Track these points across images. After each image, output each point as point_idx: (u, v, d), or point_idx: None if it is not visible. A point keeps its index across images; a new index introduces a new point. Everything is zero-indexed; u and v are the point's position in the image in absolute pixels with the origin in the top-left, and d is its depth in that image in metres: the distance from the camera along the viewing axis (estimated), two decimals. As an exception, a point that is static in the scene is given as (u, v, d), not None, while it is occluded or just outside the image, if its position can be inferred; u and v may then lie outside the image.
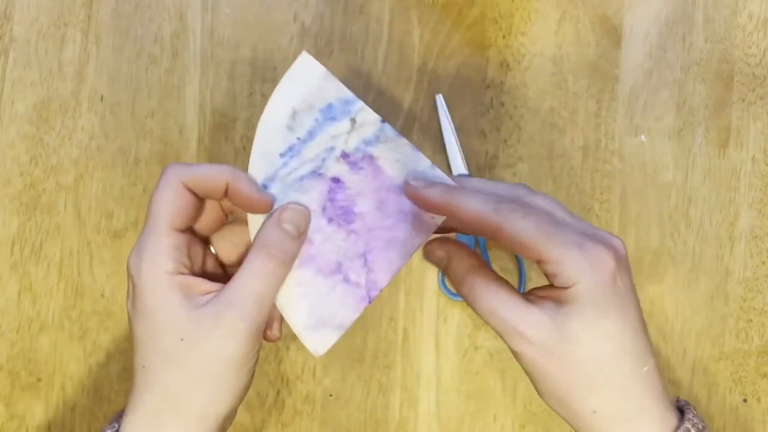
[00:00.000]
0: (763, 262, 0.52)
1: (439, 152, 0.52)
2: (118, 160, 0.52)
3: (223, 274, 0.39)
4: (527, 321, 0.34)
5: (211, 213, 0.38)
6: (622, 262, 0.35)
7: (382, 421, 0.51)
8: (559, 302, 0.34)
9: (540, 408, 0.51)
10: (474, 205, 0.34)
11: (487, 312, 0.35)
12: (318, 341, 0.37)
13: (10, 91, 0.52)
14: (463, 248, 0.37)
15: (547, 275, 0.34)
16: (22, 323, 0.51)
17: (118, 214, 0.52)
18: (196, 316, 0.34)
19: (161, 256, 0.34)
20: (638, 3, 0.53)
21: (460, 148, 0.51)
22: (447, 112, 0.52)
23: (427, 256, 0.38)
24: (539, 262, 0.34)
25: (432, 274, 0.52)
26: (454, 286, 0.37)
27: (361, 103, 0.37)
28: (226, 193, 0.35)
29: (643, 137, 0.52)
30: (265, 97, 0.52)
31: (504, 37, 0.53)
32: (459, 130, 0.52)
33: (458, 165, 0.51)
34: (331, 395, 0.51)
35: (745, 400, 0.51)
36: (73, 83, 0.52)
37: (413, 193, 0.36)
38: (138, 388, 0.35)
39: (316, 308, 0.37)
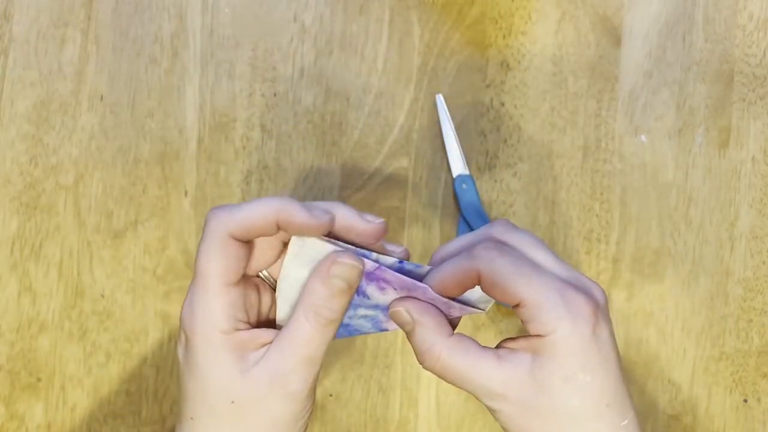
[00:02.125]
0: (764, 262, 0.52)
1: (439, 152, 0.52)
2: (118, 160, 0.52)
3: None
4: (501, 379, 0.32)
5: (266, 249, 0.35)
6: (602, 312, 0.33)
7: (382, 421, 0.51)
8: (535, 352, 0.32)
9: (540, 408, 0.51)
10: (450, 267, 0.33)
11: (460, 377, 0.33)
12: None
13: (10, 91, 0.52)
14: (436, 315, 0.35)
15: (523, 320, 0.33)
16: (22, 323, 0.51)
17: (118, 214, 0.52)
18: (248, 379, 0.33)
19: (215, 315, 0.33)
20: (638, 3, 0.53)
21: (460, 148, 0.51)
22: (447, 112, 0.52)
23: (393, 317, 0.35)
24: (516, 307, 0.33)
25: (432, 274, 0.52)
26: (417, 354, 0.34)
27: (375, 254, 0.34)
28: (278, 228, 0.33)
29: (643, 137, 0.52)
30: (265, 97, 0.52)
31: (504, 36, 0.53)
32: (459, 130, 0.52)
33: (458, 165, 0.51)
34: (331, 395, 0.51)
35: (745, 400, 0.51)
36: (73, 83, 0.52)
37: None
38: None
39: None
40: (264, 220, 0.33)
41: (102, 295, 0.51)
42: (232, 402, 0.33)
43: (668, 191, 0.52)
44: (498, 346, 0.35)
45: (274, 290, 0.36)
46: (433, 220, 0.52)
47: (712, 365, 0.51)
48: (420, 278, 0.35)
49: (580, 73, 0.53)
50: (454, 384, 0.34)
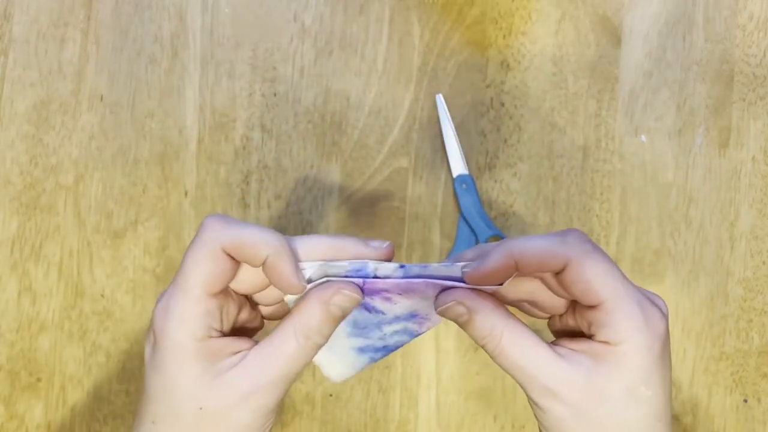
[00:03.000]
0: (764, 262, 0.52)
1: (439, 152, 0.52)
2: (118, 160, 0.52)
3: (256, 316, 0.37)
4: (558, 377, 0.31)
5: (254, 275, 0.34)
6: (668, 329, 0.33)
7: (382, 421, 0.51)
8: (597, 358, 0.31)
9: (540, 408, 0.51)
10: (539, 243, 0.32)
11: (515, 366, 0.32)
12: (336, 372, 0.37)
13: (10, 91, 0.52)
14: (487, 298, 0.33)
15: (590, 324, 0.32)
16: (22, 323, 0.51)
17: (118, 214, 0.52)
18: (219, 386, 0.32)
19: (191, 322, 0.32)
20: (638, 3, 0.53)
21: (461, 148, 0.51)
22: (447, 112, 0.52)
23: (444, 313, 0.34)
24: (588, 308, 0.32)
25: (432, 274, 0.52)
26: (476, 339, 0.33)
27: (372, 263, 0.34)
28: (263, 263, 0.32)
29: (643, 137, 0.52)
30: (265, 97, 0.52)
31: (504, 36, 0.53)
32: (459, 130, 0.52)
33: (458, 165, 0.51)
34: (331, 395, 0.51)
35: (745, 400, 0.51)
36: (72, 83, 0.52)
37: (476, 275, 0.33)
38: None
39: (332, 348, 0.36)
40: (257, 251, 0.32)
41: (102, 295, 0.51)
42: (200, 408, 0.32)
43: (668, 191, 0.52)
44: (554, 343, 0.33)
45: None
46: (433, 220, 0.52)
47: (712, 365, 0.51)
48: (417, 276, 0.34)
49: (580, 73, 0.53)
50: (508, 370, 0.33)
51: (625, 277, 0.32)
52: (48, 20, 0.52)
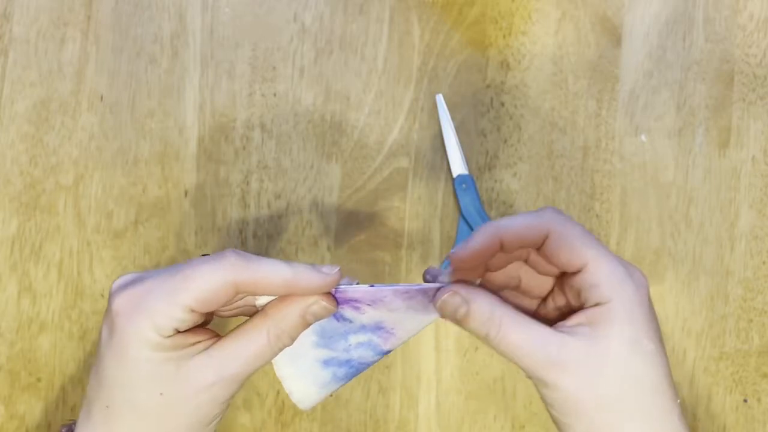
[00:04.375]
0: (764, 262, 0.52)
1: (439, 152, 0.52)
2: (118, 160, 0.52)
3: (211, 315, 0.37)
4: (562, 349, 0.31)
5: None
6: (649, 289, 0.33)
7: (382, 422, 0.51)
8: (593, 323, 0.32)
9: (540, 408, 0.51)
10: (519, 219, 0.33)
11: (518, 347, 0.32)
12: (301, 393, 0.37)
13: (10, 91, 0.52)
14: (479, 288, 0.34)
15: (578, 292, 0.33)
16: (22, 323, 0.51)
17: (118, 214, 0.52)
18: (182, 374, 0.32)
19: (164, 322, 0.32)
20: (638, 3, 0.53)
21: (460, 148, 0.51)
22: (447, 111, 0.52)
23: (443, 308, 0.34)
24: (575, 274, 0.33)
25: (432, 274, 0.52)
26: (477, 332, 0.33)
27: (344, 285, 0.35)
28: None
29: (643, 137, 0.52)
30: (265, 97, 0.52)
31: (504, 36, 0.53)
32: (459, 130, 0.52)
33: (458, 165, 0.51)
34: (331, 395, 0.51)
35: (745, 400, 0.51)
36: (72, 83, 0.52)
37: (462, 254, 0.33)
38: (95, 426, 0.33)
39: (297, 361, 0.37)
40: (277, 286, 0.33)
41: (102, 295, 0.51)
42: (161, 394, 0.32)
43: (668, 191, 0.52)
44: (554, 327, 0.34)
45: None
46: (433, 220, 0.52)
47: (712, 365, 0.51)
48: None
49: (580, 73, 0.53)
50: (511, 355, 0.33)
51: (601, 242, 0.33)
52: (48, 20, 0.52)
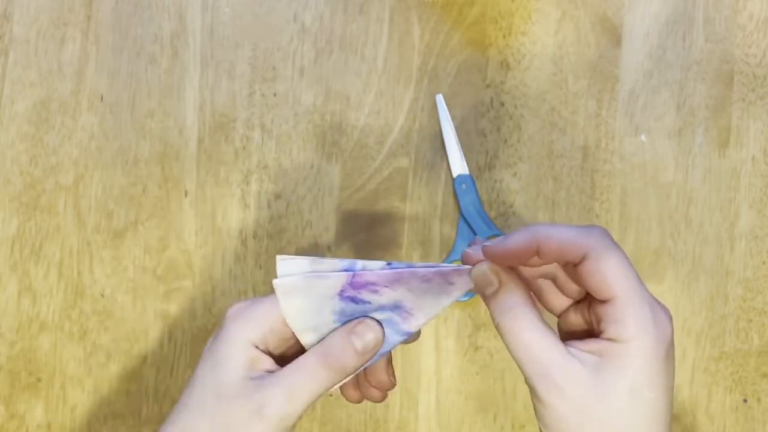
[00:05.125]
0: (763, 262, 0.52)
1: (439, 152, 0.52)
2: (118, 160, 0.52)
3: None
4: (565, 370, 0.31)
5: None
6: (673, 334, 0.33)
7: (382, 421, 0.51)
8: (603, 356, 0.31)
9: (540, 408, 0.51)
10: (565, 230, 0.32)
11: (524, 347, 0.32)
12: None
13: (10, 91, 0.52)
14: (518, 279, 0.34)
15: (599, 320, 0.32)
16: (22, 323, 0.51)
17: (118, 214, 0.52)
18: (242, 386, 0.35)
19: (260, 324, 0.35)
20: (638, 3, 0.53)
21: (460, 148, 0.51)
22: (447, 112, 0.52)
23: (477, 280, 0.34)
24: (599, 303, 0.32)
25: (432, 274, 0.52)
26: (494, 313, 0.33)
27: (360, 262, 0.35)
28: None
29: (643, 137, 0.52)
30: (265, 97, 0.52)
31: (504, 36, 0.53)
32: (459, 130, 0.52)
33: (458, 165, 0.51)
34: (331, 395, 0.51)
35: (745, 400, 0.51)
36: (72, 83, 0.52)
37: (496, 250, 0.33)
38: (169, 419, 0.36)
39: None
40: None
41: (102, 295, 0.51)
42: (218, 398, 0.34)
43: (668, 191, 0.52)
44: (564, 344, 0.34)
45: None
46: (433, 220, 0.52)
47: (712, 365, 0.51)
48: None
49: (580, 73, 0.53)
50: (517, 353, 0.32)
51: (639, 278, 0.32)
52: (48, 20, 0.52)
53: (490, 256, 0.33)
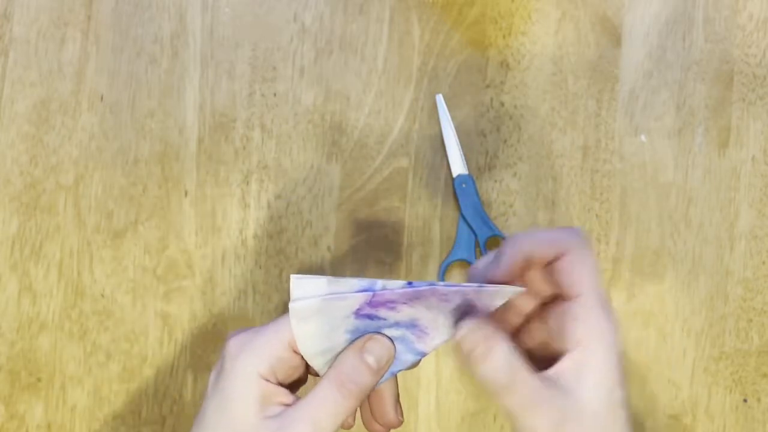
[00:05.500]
0: (763, 262, 0.52)
1: (439, 152, 0.52)
2: (118, 160, 0.52)
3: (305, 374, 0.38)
4: (542, 393, 0.32)
5: None
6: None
7: (382, 421, 0.51)
8: (572, 372, 0.33)
9: (540, 408, 0.51)
10: (542, 234, 0.34)
11: (504, 373, 0.32)
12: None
13: (10, 91, 0.52)
14: (488, 319, 0.34)
15: (564, 317, 0.33)
16: (22, 323, 0.51)
17: (118, 214, 0.52)
18: (261, 427, 0.33)
19: (262, 359, 0.34)
20: (638, 3, 0.53)
21: (460, 148, 0.51)
22: (447, 112, 0.52)
23: (466, 338, 0.33)
24: (565, 301, 0.33)
25: (432, 273, 0.52)
26: (466, 356, 0.33)
27: (381, 282, 0.34)
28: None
29: (643, 137, 0.52)
30: (265, 97, 0.52)
31: (504, 36, 0.53)
32: (459, 130, 0.52)
33: (458, 165, 0.51)
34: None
35: (745, 400, 0.51)
36: (72, 83, 0.52)
37: (496, 277, 0.34)
38: None
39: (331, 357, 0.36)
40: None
41: (102, 295, 0.51)
42: None
43: (668, 191, 0.52)
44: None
45: None
46: (433, 220, 0.52)
47: (712, 365, 0.51)
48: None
49: (580, 73, 0.53)
50: (493, 379, 0.33)
51: (599, 278, 0.34)
52: (48, 20, 0.52)
53: (491, 281, 0.34)
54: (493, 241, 0.51)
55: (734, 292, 0.52)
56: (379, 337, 0.35)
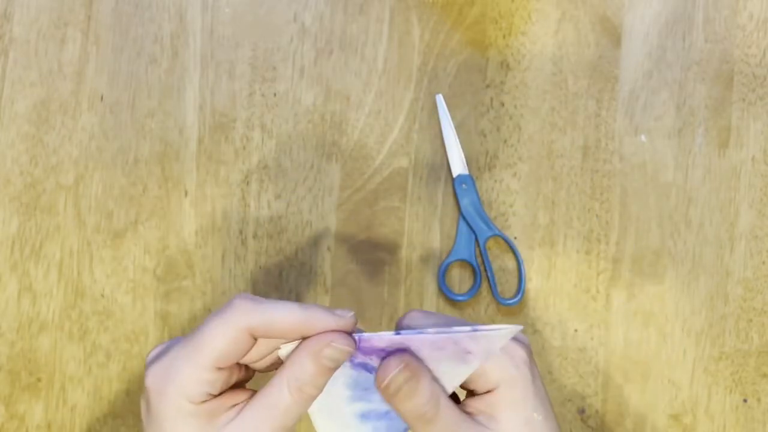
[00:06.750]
0: (763, 262, 0.52)
1: (439, 152, 0.52)
2: (118, 160, 0.52)
3: (248, 373, 0.36)
4: (465, 429, 0.34)
5: (259, 348, 0.34)
6: (531, 351, 0.36)
7: (382, 421, 0.51)
8: (488, 410, 0.34)
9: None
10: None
11: (429, 416, 0.33)
12: None
13: (10, 91, 0.52)
14: (420, 365, 0.34)
15: (470, 382, 0.34)
16: (22, 323, 0.51)
17: (118, 214, 0.52)
18: None
19: (191, 388, 0.32)
20: (638, 3, 0.53)
21: (461, 148, 0.51)
22: (447, 112, 0.52)
23: (392, 381, 0.33)
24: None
25: (432, 273, 0.52)
26: (419, 407, 0.33)
27: (367, 334, 0.33)
28: (300, 335, 0.33)
29: (643, 137, 0.52)
30: (265, 97, 0.52)
31: (504, 37, 0.53)
32: (459, 130, 0.52)
33: (458, 165, 0.51)
34: None
35: (745, 400, 0.51)
36: (72, 83, 0.52)
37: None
38: None
39: (334, 416, 0.35)
40: (290, 327, 0.32)
41: (102, 295, 0.51)
42: None
43: (668, 191, 0.52)
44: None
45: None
46: (433, 220, 0.52)
47: (712, 365, 0.51)
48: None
49: (580, 73, 0.53)
50: (418, 422, 0.34)
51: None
52: (48, 20, 0.52)
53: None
54: (493, 241, 0.51)
55: (734, 292, 0.52)
56: (337, 345, 0.32)
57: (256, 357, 0.34)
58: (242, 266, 0.51)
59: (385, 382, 0.33)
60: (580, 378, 0.51)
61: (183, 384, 0.32)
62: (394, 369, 0.33)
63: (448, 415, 0.33)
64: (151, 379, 0.32)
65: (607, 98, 0.52)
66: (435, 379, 0.34)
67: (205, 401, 0.32)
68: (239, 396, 0.33)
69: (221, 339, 0.32)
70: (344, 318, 0.33)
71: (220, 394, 0.33)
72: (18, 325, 0.51)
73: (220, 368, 0.32)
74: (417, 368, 0.33)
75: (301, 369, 0.32)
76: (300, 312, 0.32)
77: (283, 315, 0.32)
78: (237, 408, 0.33)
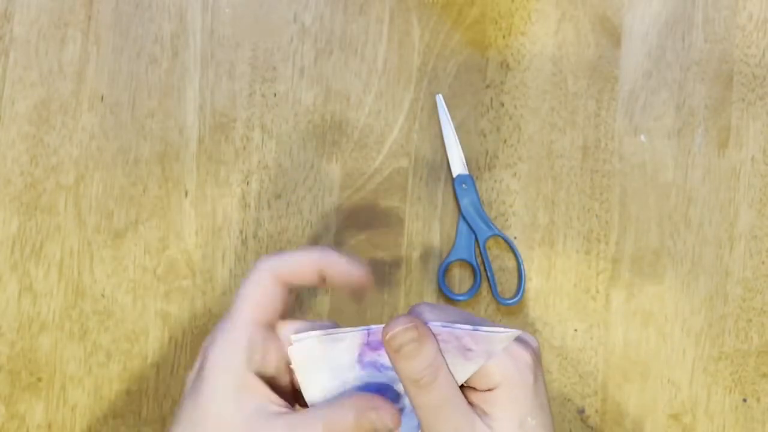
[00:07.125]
0: (763, 262, 0.52)
1: (439, 152, 0.52)
2: (118, 160, 0.52)
3: (290, 388, 0.36)
4: (459, 402, 0.34)
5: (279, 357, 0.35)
6: (539, 357, 0.36)
7: (382, 421, 0.51)
8: (485, 406, 0.34)
9: (540, 408, 0.51)
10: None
11: (446, 403, 0.33)
12: None
13: (10, 91, 0.52)
14: (429, 330, 0.34)
15: (472, 379, 0.34)
16: (22, 323, 0.51)
17: (119, 214, 0.52)
18: (259, 427, 0.32)
19: (234, 345, 0.33)
20: (638, 3, 0.53)
21: (461, 148, 0.52)
22: (447, 112, 0.52)
23: (396, 337, 0.33)
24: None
25: (432, 273, 0.52)
26: (418, 371, 0.33)
27: (375, 326, 0.33)
28: (324, 281, 0.35)
29: (642, 137, 0.52)
30: (265, 97, 0.52)
31: (504, 37, 0.53)
32: (459, 130, 0.52)
33: (458, 165, 0.51)
34: None
35: (745, 400, 0.51)
36: (73, 83, 0.52)
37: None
38: None
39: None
40: (309, 266, 0.35)
41: (102, 295, 0.51)
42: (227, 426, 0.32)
43: (668, 191, 0.52)
44: None
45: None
46: (433, 220, 0.52)
47: (711, 365, 0.51)
48: None
49: (580, 73, 0.53)
50: (436, 407, 0.33)
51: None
52: (48, 20, 0.52)
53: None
54: (493, 241, 0.52)
55: (734, 292, 0.52)
56: (383, 410, 0.33)
57: (273, 363, 0.35)
58: (242, 266, 0.52)
59: (390, 334, 0.33)
60: (579, 378, 0.51)
61: (225, 343, 0.34)
62: (402, 325, 0.33)
63: (444, 387, 0.33)
64: (202, 348, 0.35)
65: (607, 98, 0.52)
66: (440, 353, 0.33)
67: (247, 369, 0.33)
68: (279, 400, 0.33)
69: (250, 292, 0.34)
70: (358, 266, 0.35)
71: (266, 380, 0.33)
72: (18, 325, 0.51)
73: (259, 324, 0.34)
74: (425, 333, 0.33)
75: (341, 418, 0.32)
76: (318, 252, 0.35)
77: (303, 255, 0.35)
78: (285, 411, 0.33)
